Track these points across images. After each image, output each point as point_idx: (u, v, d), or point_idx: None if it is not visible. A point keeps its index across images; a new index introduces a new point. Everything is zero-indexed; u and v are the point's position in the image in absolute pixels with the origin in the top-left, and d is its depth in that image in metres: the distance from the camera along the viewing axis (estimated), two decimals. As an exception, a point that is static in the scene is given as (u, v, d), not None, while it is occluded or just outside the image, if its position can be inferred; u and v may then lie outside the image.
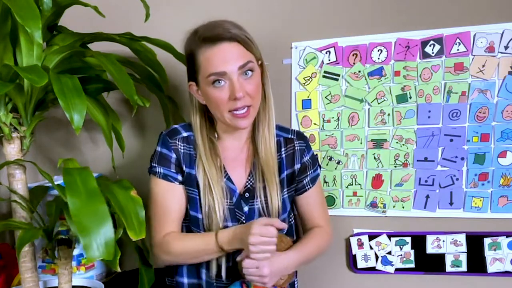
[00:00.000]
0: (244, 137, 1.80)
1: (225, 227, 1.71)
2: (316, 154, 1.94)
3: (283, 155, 1.82)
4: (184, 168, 1.75)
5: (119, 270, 1.45)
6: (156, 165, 1.75)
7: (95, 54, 1.60)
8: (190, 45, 1.68)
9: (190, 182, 1.76)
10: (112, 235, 1.28)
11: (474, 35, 1.95)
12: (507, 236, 2.03)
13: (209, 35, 1.61)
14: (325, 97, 2.12)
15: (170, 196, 1.76)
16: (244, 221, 1.73)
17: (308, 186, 1.85)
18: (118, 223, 1.46)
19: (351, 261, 2.19)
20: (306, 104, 2.15)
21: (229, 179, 1.77)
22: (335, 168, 2.15)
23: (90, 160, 2.43)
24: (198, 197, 1.74)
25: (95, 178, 1.44)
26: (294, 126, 2.18)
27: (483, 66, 1.95)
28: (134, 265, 2.16)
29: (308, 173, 1.84)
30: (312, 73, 2.12)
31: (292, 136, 1.84)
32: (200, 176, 1.72)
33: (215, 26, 1.62)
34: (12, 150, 1.62)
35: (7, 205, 2.15)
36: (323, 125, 2.14)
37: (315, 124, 2.15)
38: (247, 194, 1.77)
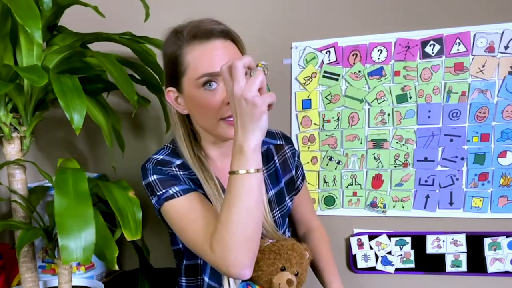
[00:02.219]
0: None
1: None
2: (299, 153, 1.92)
3: (277, 163, 1.73)
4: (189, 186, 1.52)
5: (117, 269, 1.45)
6: (167, 189, 1.48)
7: (95, 54, 1.60)
8: (173, 46, 1.50)
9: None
10: (93, 240, 1.27)
11: (474, 35, 1.95)
12: (507, 236, 2.03)
13: (199, 31, 1.46)
14: (325, 97, 2.12)
15: (200, 203, 1.47)
16: None
17: (301, 185, 1.83)
18: (117, 223, 1.46)
19: (351, 261, 2.19)
20: (306, 104, 2.15)
21: None
22: (335, 168, 2.15)
23: (90, 160, 2.44)
24: None
25: (93, 178, 1.45)
26: (294, 126, 2.18)
27: (483, 66, 1.95)
28: (134, 265, 2.17)
29: (299, 172, 1.81)
30: (312, 73, 2.12)
31: (281, 142, 1.77)
32: (211, 196, 1.52)
33: (202, 22, 1.48)
34: (12, 150, 1.63)
35: (7, 205, 2.16)
36: (323, 125, 2.14)
37: (315, 124, 2.15)
38: None
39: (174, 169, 1.53)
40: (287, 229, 1.76)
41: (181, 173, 1.54)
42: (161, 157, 1.57)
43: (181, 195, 1.47)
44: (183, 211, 1.46)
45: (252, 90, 1.18)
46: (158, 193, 1.48)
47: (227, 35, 1.48)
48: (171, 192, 1.47)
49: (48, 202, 1.83)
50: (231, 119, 1.41)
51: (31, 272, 1.66)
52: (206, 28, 1.46)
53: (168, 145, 1.64)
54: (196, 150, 1.58)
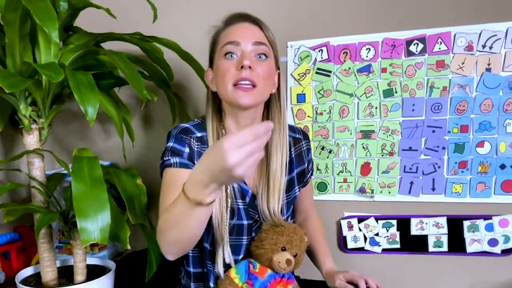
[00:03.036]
0: None
1: (240, 225, 1.56)
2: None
3: (293, 155, 1.71)
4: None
5: (129, 248, 1.47)
6: (170, 158, 1.51)
7: (108, 53, 1.61)
8: (213, 34, 1.61)
9: None
10: (109, 221, 1.30)
11: (455, 35, 1.96)
12: (485, 219, 2.04)
13: (230, 18, 1.57)
14: (318, 92, 2.13)
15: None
16: (258, 219, 1.60)
17: (309, 179, 1.83)
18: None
19: (342, 242, 2.21)
20: (301, 98, 2.16)
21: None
22: (327, 157, 2.16)
23: (103, 149, 2.44)
24: None
25: (105, 166, 1.47)
26: (290, 119, 2.19)
27: (463, 63, 1.96)
28: (143, 245, 2.18)
29: (310, 167, 1.79)
30: (306, 69, 2.13)
31: (300, 136, 1.76)
32: None
33: (240, 12, 1.58)
34: (31, 140, 1.64)
35: (27, 191, 2.16)
36: (316, 118, 2.16)
37: (308, 116, 2.16)
38: (258, 194, 1.61)
39: (192, 139, 1.56)
40: (290, 216, 1.74)
41: (196, 145, 1.56)
42: (187, 125, 1.60)
43: (176, 166, 1.49)
44: (168, 180, 1.49)
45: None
46: (164, 159, 1.52)
47: (254, 21, 1.56)
48: (171, 161, 1.50)
49: (64, 187, 1.84)
50: (242, 84, 1.45)
51: (49, 252, 1.67)
52: (236, 14, 1.57)
53: (198, 119, 1.67)
54: (218, 127, 1.60)
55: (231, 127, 1.61)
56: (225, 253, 1.52)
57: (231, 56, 1.49)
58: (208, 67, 1.64)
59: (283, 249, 1.51)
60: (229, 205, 1.53)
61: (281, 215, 1.60)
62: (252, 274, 1.53)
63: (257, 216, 1.60)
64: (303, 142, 1.76)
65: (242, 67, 1.44)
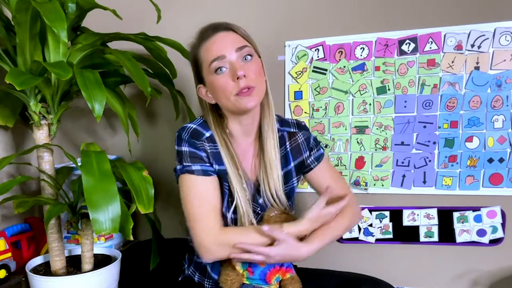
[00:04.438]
0: (253, 134, 1.64)
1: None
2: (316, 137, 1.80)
3: (288, 149, 1.68)
4: (215, 166, 1.56)
5: (132, 239, 1.48)
6: (191, 164, 1.53)
7: (114, 52, 1.62)
8: (192, 50, 1.58)
9: (223, 177, 1.58)
10: (119, 212, 1.31)
11: (445, 35, 1.97)
12: (473, 211, 2.05)
13: (205, 31, 1.53)
14: (314, 89, 2.14)
15: (213, 190, 1.55)
16: (259, 212, 1.61)
17: (314, 164, 1.71)
18: (132, 199, 1.49)
19: (337, 232, 2.21)
20: (298, 95, 2.17)
21: (243, 173, 1.61)
22: (323, 151, 2.16)
23: (109, 144, 2.46)
24: (227, 191, 1.59)
25: (112, 160, 1.47)
26: (288, 115, 2.20)
27: (452, 62, 1.97)
28: (147, 236, 2.19)
29: (312, 153, 1.71)
30: (303, 68, 2.14)
31: (294, 130, 1.71)
32: (229, 171, 1.55)
33: (209, 24, 1.55)
34: (41, 135, 1.65)
35: (37, 184, 2.17)
36: (312, 114, 2.16)
37: (305, 112, 2.17)
38: (258, 187, 1.62)
39: (204, 142, 1.56)
40: (291, 205, 1.72)
41: (208, 146, 1.56)
42: (194, 126, 1.59)
43: (199, 174, 1.52)
44: (191, 187, 1.53)
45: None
46: (184, 163, 1.53)
47: (227, 27, 1.52)
48: (193, 168, 1.52)
49: (72, 180, 1.85)
50: (243, 92, 1.46)
51: (58, 242, 1.68)
52: (209, 26, 1.53)
53: (200, 117, 1.65)
54: (222, 133, 1.59)
55: (235, 128, 1.61)
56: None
57: (221, 70, 1.47)
58: (198, 84, 1.61)
59: None
60: (244, 199, 1.56)
61: (281, 204, 1.61)
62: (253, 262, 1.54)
63: (258, 208, 1.61)
64: (299, 134, 1.71)
65: (237, 78, 1.44)
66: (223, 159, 1.56)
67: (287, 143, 1.69)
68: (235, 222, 1.58)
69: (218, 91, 1.50)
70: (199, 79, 1.60)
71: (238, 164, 1.57)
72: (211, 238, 1.51)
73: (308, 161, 1.71)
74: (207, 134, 1.58)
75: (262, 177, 1.61)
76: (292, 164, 1.69)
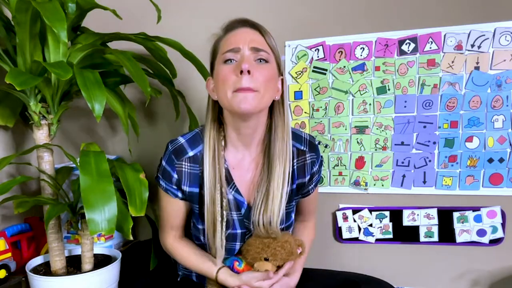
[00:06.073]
0: (255, 149, 1.58)
1: (234, 234, 1.58)
2: (322, 157, 1.76)
3: (295, 166, 1.60)
4: (184, 188, 1.55)
5: (132, 239, 1.48)
6: (160, 177, 1.58)
7: (114, 52, 1.61)
8: (215, 41, 1.52)
9: (193, 199, 1.58)
10: (115, 213, 1.31)
11: (445, 35, 1.97)
12: (473, 211, 2.05)
13: (232, 22, 1.49)
14: (314, 89, 2.14)
15: (170, 208, 1.63)
16: (252, 229, 1.56)
17: (312, 191, 1.70)
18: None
19: (337, 232, 2.21)
20: (298, 95, 2.16)
21: (237, 191, 1.56)
22: (323, 151, 2.16)
23: (109, 144, 2.45)
24: (200, 211, 1.57)
25: (111, 160, 1.47)
26: (288, 115, 2.16)
27: (452, 62, 1.97)
28: (147, 236, 2.19)
29: (314, 179, 1.67)
30: (303, 68, 2.14)
31: (305, 148, 1.61)
32: (206, 192, 1.50)
33: (238, 18, 1.50)
34: (41, 135, 1.65)
35: (37, 183, 2.17)
36: (312, 114, 2.16)
37: (305, 112, 2.17)
38: (255, 205, 1.54)
39: (183, 162, 1.53)
40: (291, 225, 1.68)
41: (187, 166, 1.54)
42: (183, 141, 1.56)
43: (164, 190, 1.60)
44: (160, 196, 1.65)
45: None
46: (159, 174, 1.60)
47: (253, 25, 1.48)
48: (161, 182, 1.60)
49: (72, 180, 1.85)
50: (242, 90, 1.36)
51: (58, 242, 1.68)
52: (235, 20, 1.51)
53: (198, 129, 1.61)
54: (217, 138, 1.53)
55: (232, 137, 1.55)
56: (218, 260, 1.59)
57: (231, 61, 1.41)
58: (210, 76, 1.55)
59: (266, 259, 1.53)
60: (224, 218, 1.53)
61: (278, 225, 1.52)
62: (236, 271, 1.57)
63: (251, 225, 1.57)
64: (308, 155, 1.62)
65: (241, 72, 1.35)
66: (204, 179, 1.51)
67: (295, 160, 1.61)
68: (226, 236, 1.58)
69: (219, 82, 1.43)
70: (211, 69, 1.55)
71: (228, 184, 1.56)
72: (166, 244, 1.70)
73: (309, 187, 1.68)
74: (190, 154, 1.54)
75: (258, 203, 1.54)
76: (295, 184, 1.63)
